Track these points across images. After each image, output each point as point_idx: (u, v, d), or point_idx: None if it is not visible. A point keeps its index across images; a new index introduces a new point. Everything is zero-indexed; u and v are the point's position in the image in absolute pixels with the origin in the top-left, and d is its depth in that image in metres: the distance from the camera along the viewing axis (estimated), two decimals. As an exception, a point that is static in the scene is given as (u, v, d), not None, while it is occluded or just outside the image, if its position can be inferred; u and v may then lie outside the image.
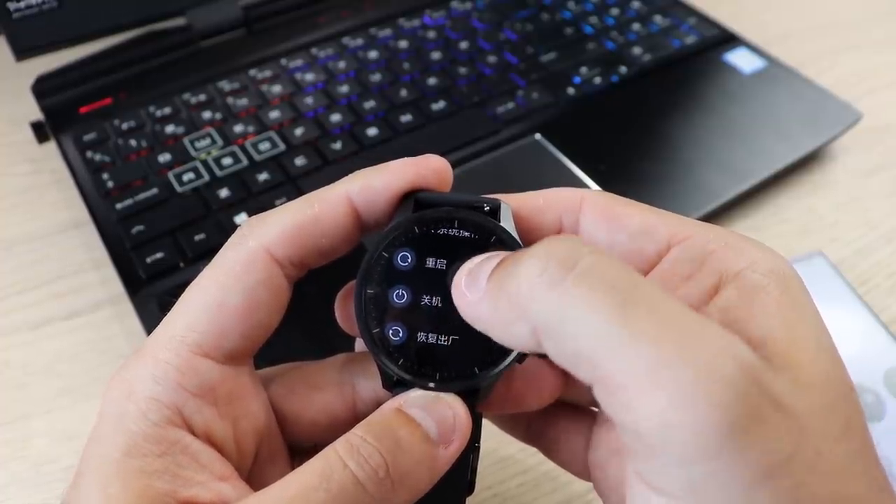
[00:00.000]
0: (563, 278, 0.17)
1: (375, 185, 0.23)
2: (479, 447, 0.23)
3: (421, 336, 0.22)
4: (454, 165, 0.50)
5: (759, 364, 0.17)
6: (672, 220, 0.22)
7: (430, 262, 0.22)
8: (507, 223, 0.22)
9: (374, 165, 0.23)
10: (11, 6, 0.47)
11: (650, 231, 0.22)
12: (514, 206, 0.23)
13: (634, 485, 0.18)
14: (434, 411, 0.21)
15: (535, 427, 0.26)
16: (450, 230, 0.22)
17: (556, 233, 0.23)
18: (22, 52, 0.49)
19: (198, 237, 0.41)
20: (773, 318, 0.19)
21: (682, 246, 0.21)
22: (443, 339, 0.22)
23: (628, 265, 0.18)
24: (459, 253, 0.22)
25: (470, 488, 0.23)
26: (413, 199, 0.23)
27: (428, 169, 0.23)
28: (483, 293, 0.19)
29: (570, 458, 0.25)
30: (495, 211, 0.22)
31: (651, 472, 0.17)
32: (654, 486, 0.17)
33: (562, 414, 0.25)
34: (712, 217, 0.45)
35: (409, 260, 0.22)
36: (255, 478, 0.23)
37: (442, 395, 0.21)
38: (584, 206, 0.23)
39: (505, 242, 0.22)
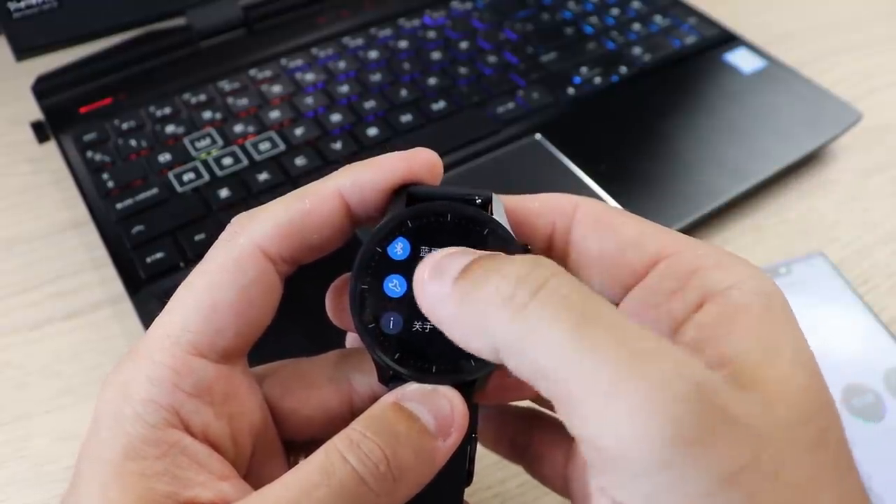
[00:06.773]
0: (526, 302, 0.18)
1: (366, 179, 0.23)
2: (476, 438, 0.23)
3: (416, 329, 0.22)
4: (454, 165, 0.49)
5: (715, 383, 0.17)
6: (663, 234, 0.22)
7: (425, 256, 0.22)
8: (498, 215, 0.22)
9: (364, 160, 0.23)
10: (11, 6, 0.47)
11: (640, 243, 0.22)
12: (508, 206, 0.23)
13: (598, 501, 0.19)
14: (431, 404, 0.21)
15: (518, 443, 0.26)
16: (443, 223, 0.22)
17: (548, 236, 0.24)
18: (22, 52, 0.48)
19: (198, 237, 0.41)
20: (748, 337, 0.19)
21: (669, 260, 0.21)
22: (437, 331, 0.22)
23: (591, 290, 0.18)
24: (453, 246, 0.22)
25: (468, 479, 0.23)
26: (406, 193, 0.23)
27: (418, 162, 0.23)
28: (448, 294, 0.19)
29: (552, 473, 0.25)
30: (487, 204, 0.23)
31: (612, 487, 0.18)
32: (616, 501, 0.18)
33: (543, 429, 0.26)
34: (712, 217, 0.45)
35: (404, 254, 0.22)
36: (251, 475, 0.23)
37: (439, 387, 0.21)
38: (577, 212, 0.23)
39: (498, 234, 0.22)
